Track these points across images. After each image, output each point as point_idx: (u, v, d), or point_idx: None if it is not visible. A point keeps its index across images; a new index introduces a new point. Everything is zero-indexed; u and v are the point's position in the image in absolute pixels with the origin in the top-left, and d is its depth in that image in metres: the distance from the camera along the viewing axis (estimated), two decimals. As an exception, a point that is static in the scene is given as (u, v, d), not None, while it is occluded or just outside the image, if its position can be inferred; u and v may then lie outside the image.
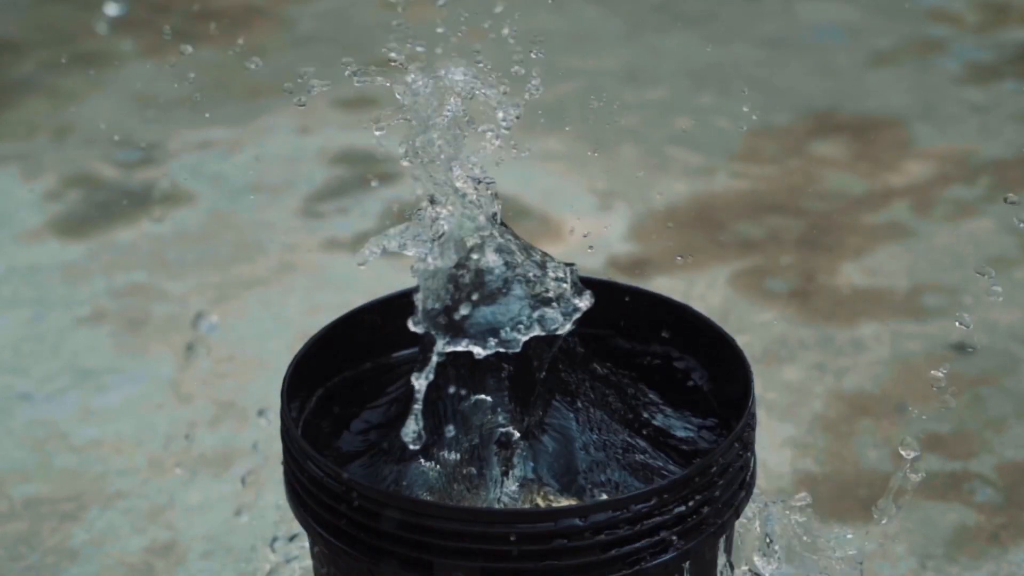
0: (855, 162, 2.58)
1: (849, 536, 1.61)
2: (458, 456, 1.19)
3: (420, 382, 1.15)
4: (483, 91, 1.19)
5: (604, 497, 1.17)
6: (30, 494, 1.78)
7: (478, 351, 1.16)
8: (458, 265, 1.19)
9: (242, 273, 2.27)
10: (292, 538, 1.58)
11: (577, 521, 1.08)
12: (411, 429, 1.15)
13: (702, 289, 2.17)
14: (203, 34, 3.20)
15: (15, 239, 2.40)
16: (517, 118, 1.21)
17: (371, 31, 3.08)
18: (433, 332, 1.17)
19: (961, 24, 3.16)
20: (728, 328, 1.32)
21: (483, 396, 1.20)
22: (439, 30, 1.23)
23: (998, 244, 2.28)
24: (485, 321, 1.16)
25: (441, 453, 1.20)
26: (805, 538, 1.46)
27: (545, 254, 1.23)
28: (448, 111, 1.19)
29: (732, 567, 1.25)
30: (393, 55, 1.20)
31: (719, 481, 1.15)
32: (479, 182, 1.20)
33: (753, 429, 1.21)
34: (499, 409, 1.20)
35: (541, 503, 1.18)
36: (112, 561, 1.66)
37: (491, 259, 1.19)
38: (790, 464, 1.78)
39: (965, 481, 1.74)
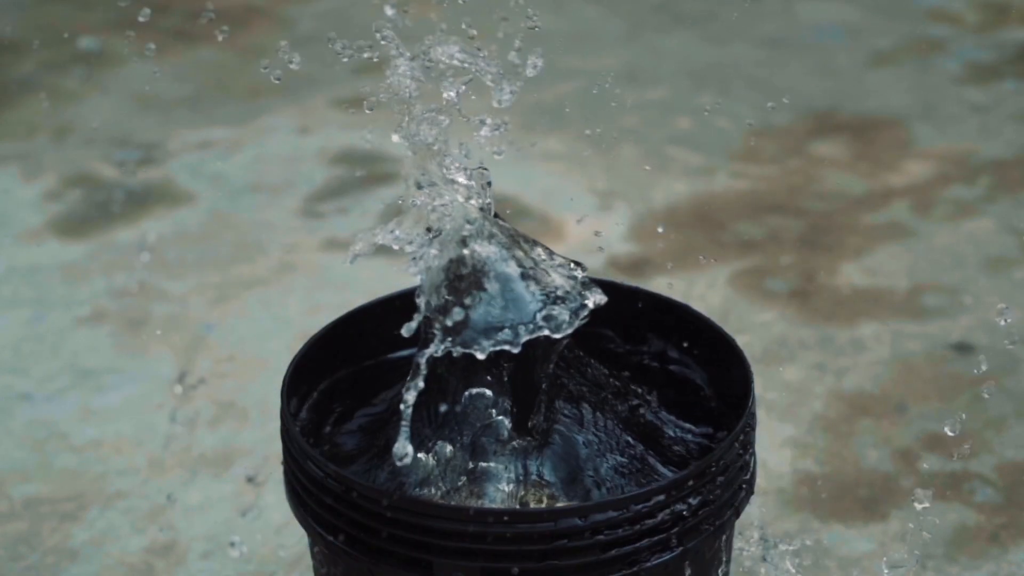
0: (855, 162, 2.58)
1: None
2: (458, 455, 1.19)
3: (409, 395, 1.13)
4: (478, 64, 1.18)
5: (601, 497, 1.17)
6: (30, 494, 1.78)
7: (478, 354, 1.15)
8: (457, 261, 1.18)
9: (242, 273, 2.27)
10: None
11: (577, 521, 1.08)
12: (400, 449, 1.13)
13: (702, 289, 2.17)
14: (203, 34, 3.20)
15: (15, 239, 2.40)
16: (512, 93, 1.20)
17: (371, 31, 3.08)
18: (435, 330, 1.16)
19: (961, 24, 3.16)
20: (728, 328, 1.32)
21: (484, 392, 1.20)
22: (442, 26, 1.22)
23: (998, 244, 2.28)
24: (487, 321, 1.15)
25: (441, 452, 1.20)
26: None
27: (550, 250, 1.22)
28: (446, 90, 1.18)
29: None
30: (385, 32, 1.19)
31: (719, 481, 1.15)
32: (469, 171, 1.19)
33: (753, 429, 1.21)
34: (499, 407, 1.21)
35: (534, 502, 1.18)
36: (112, 561, 1.66)
37: (492, 254, 1.18)
38: (790, 464, 1.78)
39: (965, 481, 1.74)
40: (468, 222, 1.18)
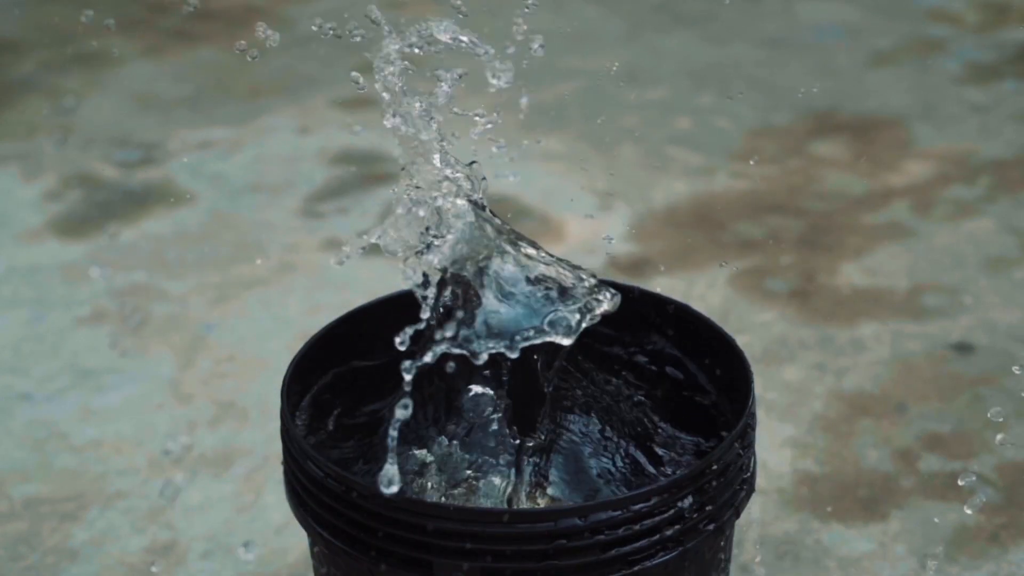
0: (855, 162, 2.58)
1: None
2: (458, 454, 1.19)
3: (397, 415, 1.10)
4: (472, 41, 1.17)
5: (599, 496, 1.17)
6: (30, 494, 1.78)
7: (475, 359, 1.15)
8: (459, 264, 1.17)
9: (242, 273, 2.27)
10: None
11: (577, 521, 1.08)
12: (387, 477, 1.09)
13: (702, 289, 2.17)
14: (204, 34, 3.20)
15: (15, 239, 2.40)
16: (509, 73, 1.19)
17: (372, 31, 3.08)
18: (435, 334, 1.16)
19: (961, 24, 3.16)
20: (728, 328, 1.32)
21: (487, 391, 1.20)
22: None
23: (998, 244, 2.28)
24: (488, 325, 1.15)
25: (441, 451, 1.20)
26: None
27: (550, 254, 1.21)
28: (442, 78, 1.17)
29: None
30: (374, 14, 1.18)
31: (719, 481, 1.15)
32: (459, 168, 1.19)
33: (753, 429, 1.21)
34: (502, 406, 1.21)
35: (533, 502, 1.18)
36: (112, 561, 1.66)
37: (495, 257, 1.17)
38: (790, 464, 1.78)
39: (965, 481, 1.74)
40: (467, 222, 1.17)
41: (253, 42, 1.27)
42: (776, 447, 1.81)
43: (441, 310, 1.17)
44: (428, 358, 1.13)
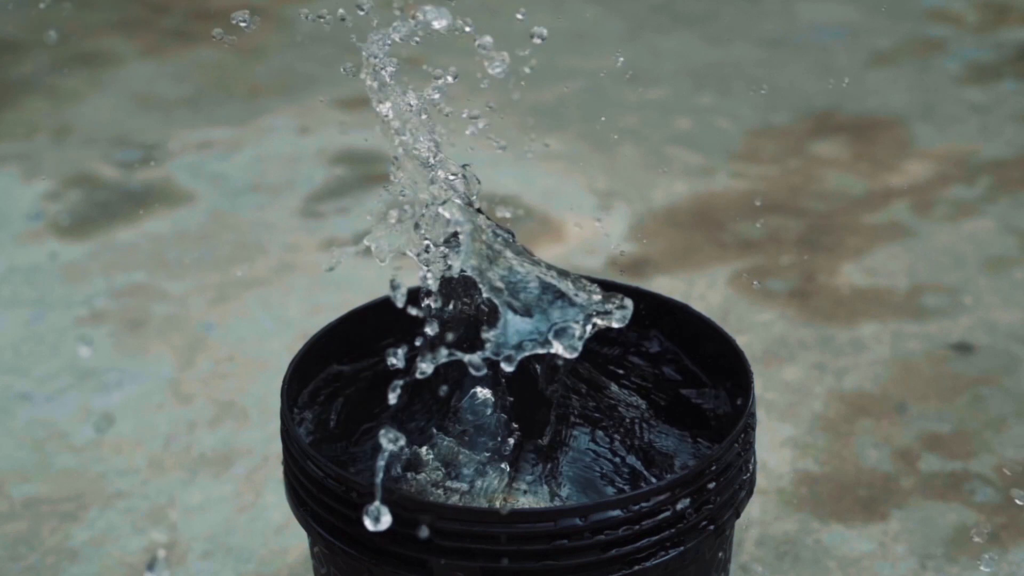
0: (855, 162, 2.58)
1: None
2: (459, 454, 1.19)
3: (385, 443, 1.09)
4: (468, 29, 1.16)
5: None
6: (30, 494, 1.78)
7: (473, 370, 1.14)
8: (463, 276, 1.17)
9: (242, 273, 2.27)
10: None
11: (577, 521, 1.08)
12: (373, 517, 1.09)
13: (702, 289, 2.17)
14: (204, 34, 3.20)
15: (15, 239, 2.40)
16: (505, 63, 1.18)
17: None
18: (433, 343, 1.16)
19: (961, 24, 3.16)
20: (728, 328, 1.32)
21: (488, 391, 1.20)
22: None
23: (998, 244, 2.28)
24: (492, 336, 1.14)
25: (442, 450, 1.20)
26: None
27: (551, 265, 1.20)
28: (437, 78, 1.17)
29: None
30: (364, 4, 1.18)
31: (719, 481, 1.15)
32: (453, 173, 1.18)
33: (753, 429, 1.21)
34: (504, 407, 1.20)
35: (532, 503, 1.18)
36: (112, 561, 1.66)
37: (497, 267, 1.17)
38: (790, 464, 1.78)
39: (965, 481, 1.74)
40: (465, 231, 1.16)
41: (231, 30, 1.27)
42: (776, 447, 1.81)
43: (437, 318, 1.17)
44: (424, 370, 1.13)
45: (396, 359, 1.15)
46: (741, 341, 1.31)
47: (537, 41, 1.19)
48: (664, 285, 2.14)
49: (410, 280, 1.21)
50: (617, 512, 1.09)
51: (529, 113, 2.71)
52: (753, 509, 1.68)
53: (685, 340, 1.33)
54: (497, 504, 1.17)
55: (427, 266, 1.17)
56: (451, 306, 1.19)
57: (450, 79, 1.18)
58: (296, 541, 1.66)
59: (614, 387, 1.29)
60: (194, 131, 2.77)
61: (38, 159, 2.67)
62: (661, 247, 2.30)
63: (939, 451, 1.79)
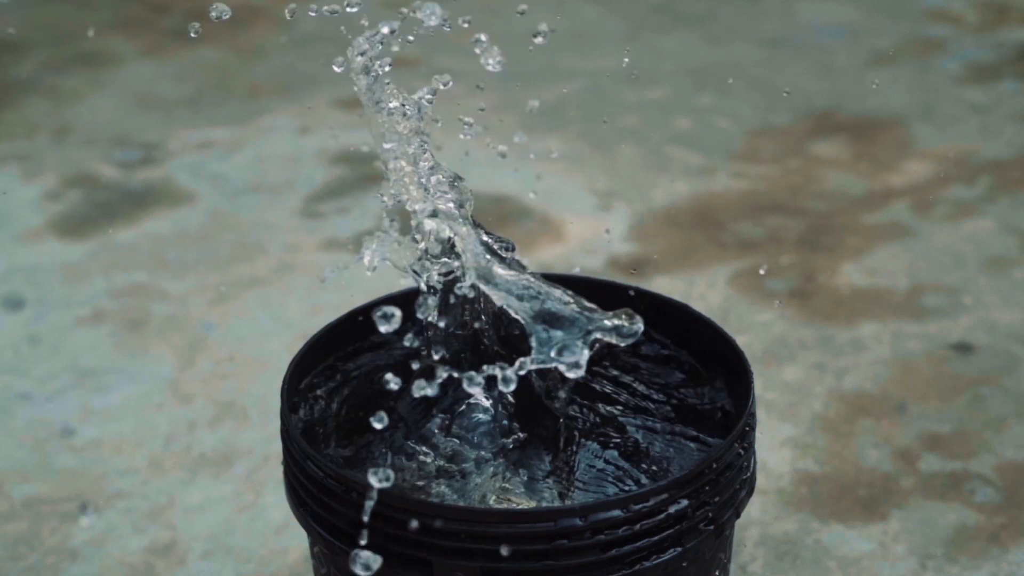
0: (855, 162, 2.58)
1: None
2: (459, 454, 1.19)
3: (375, 480, 1.08)
4: (464, 24, 1.15)
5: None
6: (30, 494, 1.78)
7: (469, 386, 1.14)
8: (466, 295, 1.16)
9: (242, 273, 2.27)
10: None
11: (577, 521, 1.08)
12: (362, 560, 1.09)
13: (702, 289, 2.17)
14: (204, 34, 3.19)
15: (15, 239, 2.40)
16: (501, 58, 1.18)
17: (368, 31, 3.08)
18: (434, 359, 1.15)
19: (961, 24, 3.16)
20: (728, 328, 1.32)
21: (488, 393, 1.20)
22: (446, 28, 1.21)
23: (998, 244, 2.28)
24: (496, 350, 1.14)
25: (442, 451, 1.20)
26: None
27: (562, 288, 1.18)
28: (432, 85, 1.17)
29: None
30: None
31: (719, 481, 1.14)
32: (443, 185, 1.18)
33: (753, 429, 1.21)
34: (505, 408, 1.20)
35: (531, 503, 1.18)
36: (112, 561, 1.66)
37: (500, 287, 1.16)
38: (790, 464, 1.78)
39: (965, 481, 1.74)
40: (464, 247, 1.16)
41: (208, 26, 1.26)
42: (776, 447, 1.81)
43: (430, 331, 1.17)
44: (423, 391, 1.13)
45: (393, 382, 1.14)
46: (741, 341, 1.31)
47: (539, 40, 1.19)
48: (664, 285, 2.14)
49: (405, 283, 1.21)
50: (617, 512, 1.09)
51: (529, 113, 2.71)
52: (753, 509, 1.68)
53: (685, 340, 1.33)
54: (492, 501, 1.17)
55: (422, 277, 1.17)
56: (449, 320, 1.18)
57: (442, 86, 1.18)
58: (296, 541, 1.66)
59: (613, 387, 1.29)
60: (194, 131, 2.77)
61: (38, 159, 2.67)
62: (661, 247, 2.30)
63: (939, 451, 1.79)
